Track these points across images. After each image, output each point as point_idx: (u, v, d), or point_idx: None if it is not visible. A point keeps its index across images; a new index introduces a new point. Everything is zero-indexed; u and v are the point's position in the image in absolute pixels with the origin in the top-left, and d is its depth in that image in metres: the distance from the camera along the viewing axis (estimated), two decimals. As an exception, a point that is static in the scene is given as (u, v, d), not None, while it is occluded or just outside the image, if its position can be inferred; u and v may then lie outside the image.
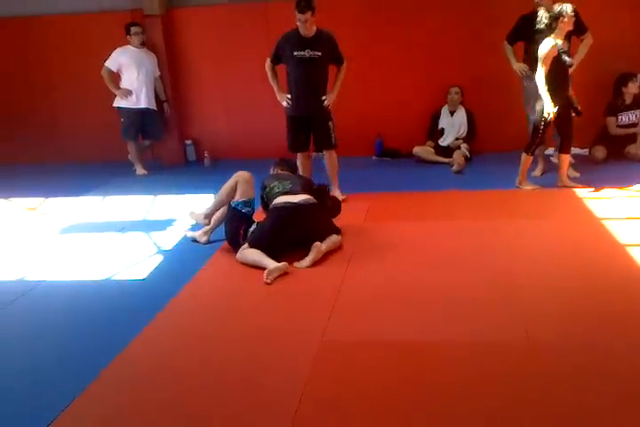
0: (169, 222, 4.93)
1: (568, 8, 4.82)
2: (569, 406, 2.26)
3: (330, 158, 5.26)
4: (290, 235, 3.90)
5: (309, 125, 5.12)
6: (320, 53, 4.91)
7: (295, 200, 3.97)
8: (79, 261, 4.16)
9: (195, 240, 4.37)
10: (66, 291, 3.66)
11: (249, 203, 4.07)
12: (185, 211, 4.71)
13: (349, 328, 3.00)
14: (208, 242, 4.32)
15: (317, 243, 3.82)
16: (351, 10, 6.70)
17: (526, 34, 5.46)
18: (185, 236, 4.50)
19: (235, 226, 4.03)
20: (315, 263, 3.78)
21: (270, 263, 3.64)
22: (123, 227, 4.86)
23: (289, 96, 5.04)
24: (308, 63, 4.92)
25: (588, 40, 5.42)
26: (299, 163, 5.22)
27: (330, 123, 5.12)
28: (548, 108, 4.85)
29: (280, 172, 4.50)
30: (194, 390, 2.53)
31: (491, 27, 6.30)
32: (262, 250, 3.79)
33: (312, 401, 2.40)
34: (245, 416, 2.34)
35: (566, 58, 4.89)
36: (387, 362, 2.66)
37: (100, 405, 2.49)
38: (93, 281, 3.78)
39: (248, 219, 4.05)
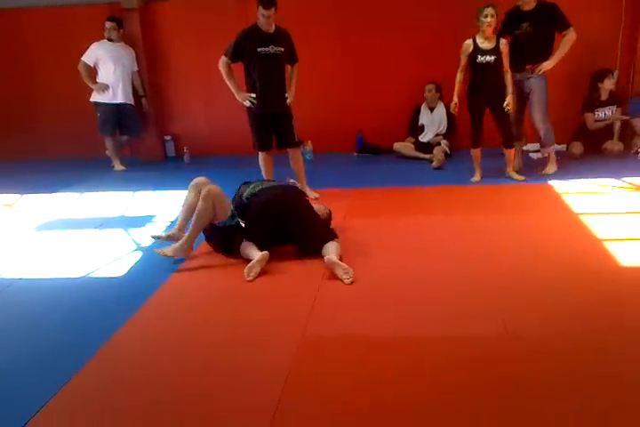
0: (148, 219, 4.89)
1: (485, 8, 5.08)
2: (548, 399, 2.29)
3: (295, 156, 5.24)
4: (277, 213, 3.80)
5: (274, 123, 5.07)
6: (282, 49, 4.88)
7: (276, 184, 4.08)
8: (57, 258, 4.11)
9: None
10: (44, 288, 3.61)
11: (233, 215, 3.90)
12: (161, 212, 4.63)
13: (331, 323, 3.00)
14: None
15: (327, 258, 3.53)
16: (330, 5, 6.69)
17: (507, 30, 5.51)
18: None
19: (228, 239, 3.89)
20: (297, 260, 3.78)
21: (255, 255, 3.60)
22: (101, 223, 4.81)
23: (253, 95, 4.94)
24: (272, 59, 4.87)
25: (570, 36, 5.37)
26: (262, 162, 5.17)
27: (292, 120, 5.10)
28: (453, 101, 5.34)
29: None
30: (173, 386, 2.51)
31: (469, 22, 6.33)
32: (255, 237, 3.75)
33: (293, 396, 2.39)
34: (225, 411, 2.33)
35: (479, 57, 5.21)
36: (368, 357, 2.67)
37: (81, 401, 2.46)
38: (71, 278, 3.73)
39: (240, 227, 3.87)
